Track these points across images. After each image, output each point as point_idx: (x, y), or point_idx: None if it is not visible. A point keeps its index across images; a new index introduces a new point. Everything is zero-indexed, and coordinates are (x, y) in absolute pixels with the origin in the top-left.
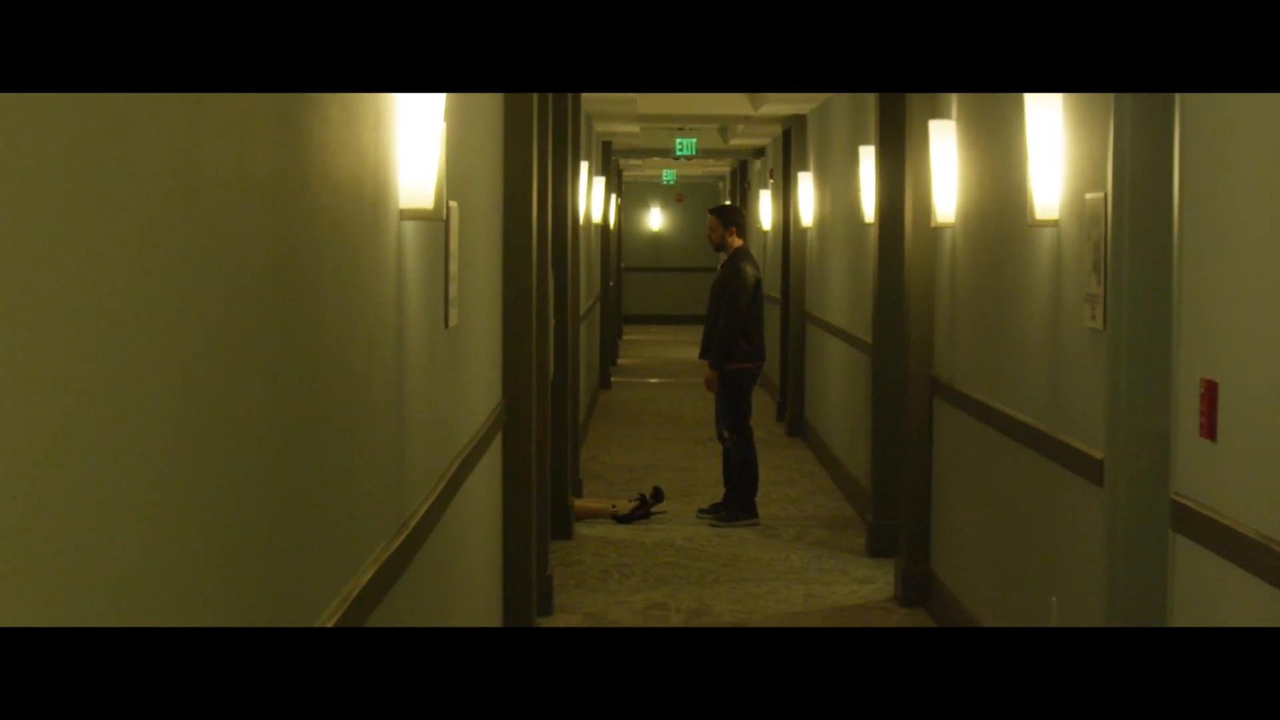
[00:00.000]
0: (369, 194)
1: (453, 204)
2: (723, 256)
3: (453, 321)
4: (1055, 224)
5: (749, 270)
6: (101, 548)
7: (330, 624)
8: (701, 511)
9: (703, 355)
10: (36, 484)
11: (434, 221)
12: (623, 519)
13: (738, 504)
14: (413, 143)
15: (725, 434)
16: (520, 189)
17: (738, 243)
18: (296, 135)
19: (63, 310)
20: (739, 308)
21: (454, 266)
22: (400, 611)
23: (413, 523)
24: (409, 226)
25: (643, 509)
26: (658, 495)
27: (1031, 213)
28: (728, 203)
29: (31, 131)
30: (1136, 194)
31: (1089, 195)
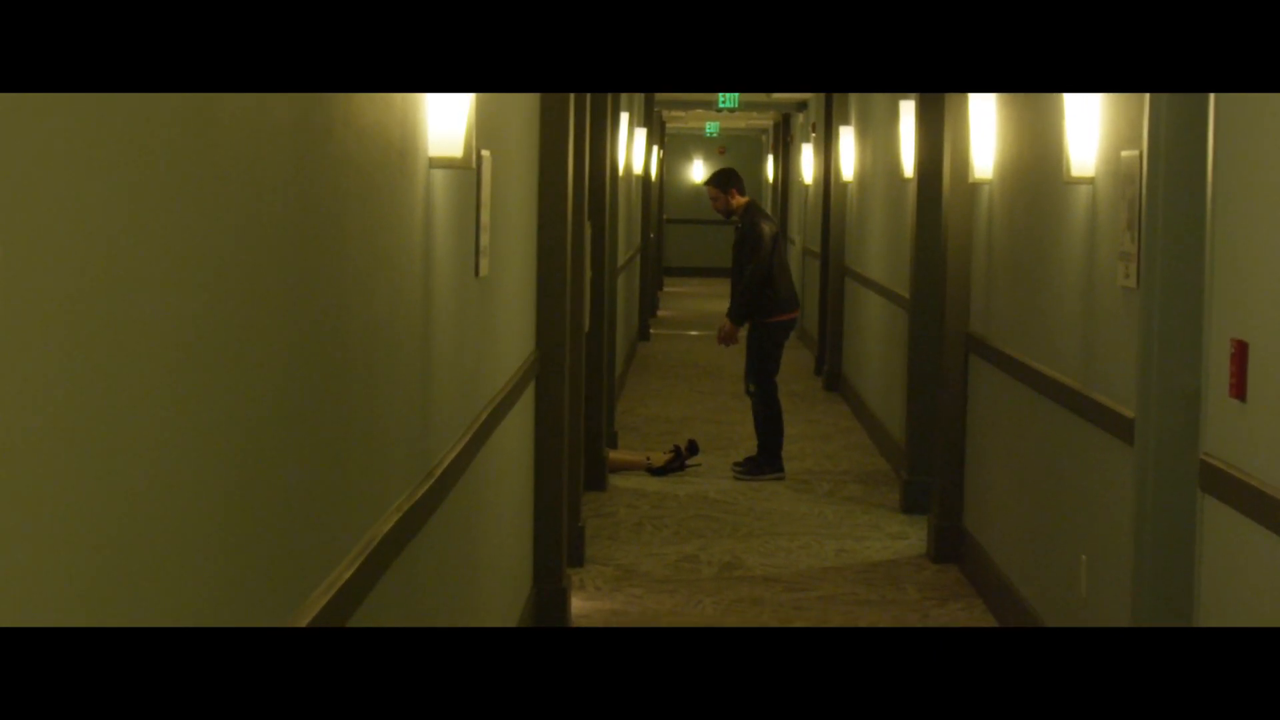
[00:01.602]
0: (396, 141)
1: (485, 153)
2: (735, 219)
3: (483, 271)
4: (1091, 181)
5: (764, 226)
6: (121, 502)
7: (349, 574)
8: (735, 464)
9: (729, 314)
10: (55, 427)
11: (465, 170)
12: (657, 471)
13: (764, 458)
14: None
15: (751, 387)
16: (556, 139)
17: (743, 200)
18: None
19: (80, 258)
20: (761, 259)
21: (485, 216)
22: (424, 561)
23: (438, 471)
24: (438, 175)
25: (677, 461)
26: (693, 448)
27: (1067, 169)
28: (721, 168)
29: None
30: (1171, 152)
31: (1125, 153)
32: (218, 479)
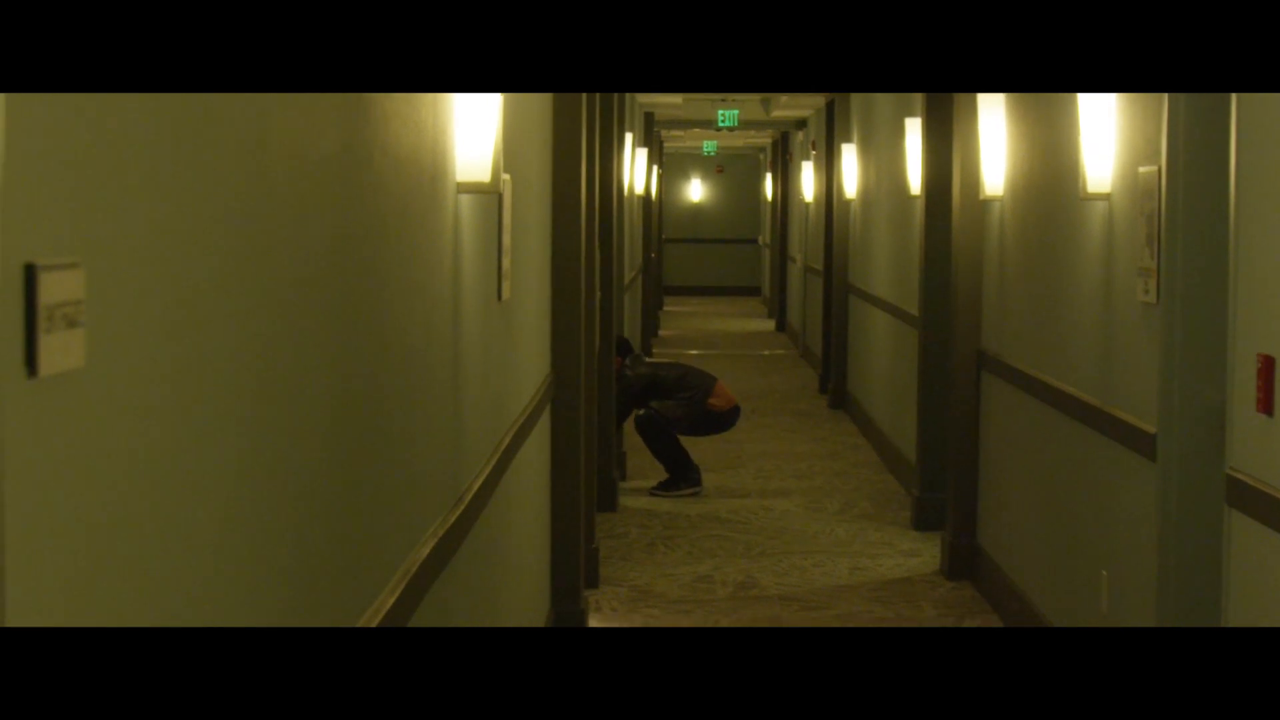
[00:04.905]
0: (428, 168)
1: (506, 176)
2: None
3: (505, 295)
4: (1107, 197)
5: (627, 375)
6: (176, 526)
7: (391, 600)
8: (652, 489)
9: None
10: (116, 466)
11: (489, 195)
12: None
13: (676, 476)
14: (470, 116)
15: (640, 411)
16: (569, 161)
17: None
18: (360, 109)
19: (144, 291)
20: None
21: (507, 240)
22: (456, 587)
23: (468, 497)
24: (465, 200)
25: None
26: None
27: (1083, 186)
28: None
29: (108, 106)
30: (1191, 167)
31: (1142, 169)
32: (268, 513)
